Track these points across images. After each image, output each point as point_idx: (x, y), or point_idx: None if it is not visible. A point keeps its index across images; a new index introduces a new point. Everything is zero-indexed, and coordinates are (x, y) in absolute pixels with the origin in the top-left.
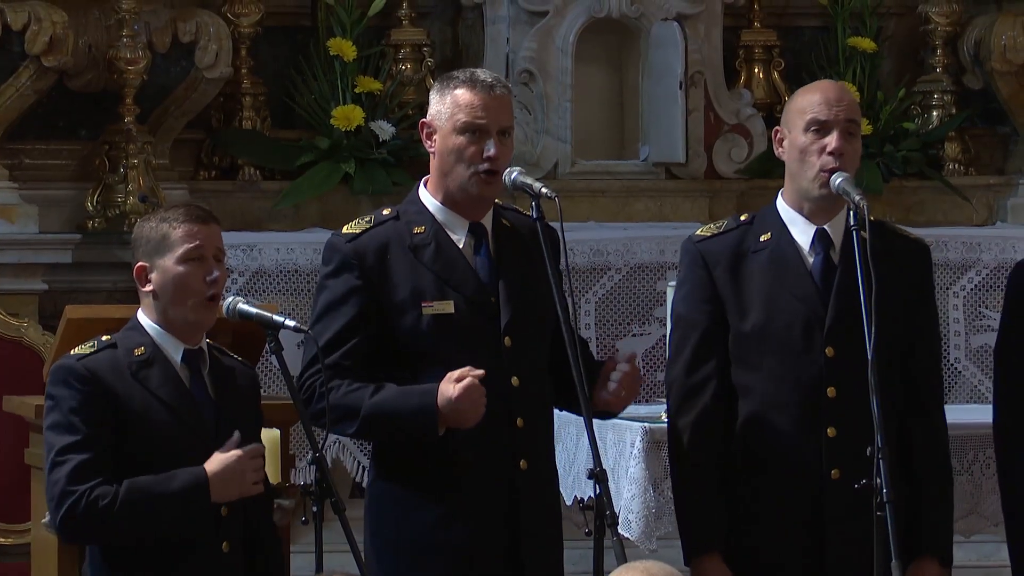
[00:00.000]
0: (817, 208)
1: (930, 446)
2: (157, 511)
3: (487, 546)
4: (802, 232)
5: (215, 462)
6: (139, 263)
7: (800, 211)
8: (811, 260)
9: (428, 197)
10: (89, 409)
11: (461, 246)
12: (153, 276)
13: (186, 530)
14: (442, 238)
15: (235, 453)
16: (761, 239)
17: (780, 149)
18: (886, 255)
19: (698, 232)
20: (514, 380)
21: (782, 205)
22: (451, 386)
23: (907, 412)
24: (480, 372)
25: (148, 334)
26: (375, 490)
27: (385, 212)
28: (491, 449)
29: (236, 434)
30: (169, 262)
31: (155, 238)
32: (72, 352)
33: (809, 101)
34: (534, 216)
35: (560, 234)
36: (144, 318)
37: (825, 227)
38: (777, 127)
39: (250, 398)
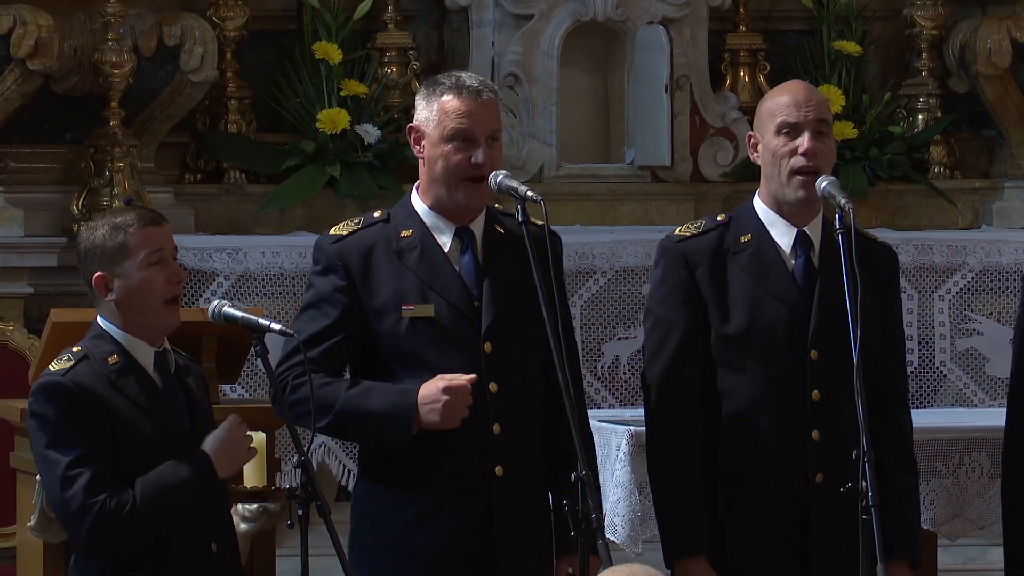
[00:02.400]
0: (796, 210)
1: (896, 446)
2: (176, 500)
3: (459, 551)
4: (783, 234)
5: (210, 441)
6: (97, 273)
7: (780, 213)
8: (792, 262)
9: (418, 201)
10: (86, 423)
11: (447, 250)
12: (116, 284)
13: (203, 514)
14: (428, 242)
15: (222, 427)
16: (741, 240)
17: (755, 154)
18: (861, 259)
19: (676, 232)
20: (492, 386)
21: (760, 206)
22: (441, 383)
23: (874, 412)
24: (472, 377)
25: (117, 341)
26: (358, 490)
27: (376, 214)
28: (465, 454)
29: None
30: (132, 268)
31: (112, 247)
32: (52, 368)
33: (778, 104)
34: (520, 219)
35: (547, 238)
36: (108, 324)
37: (805, 229)
38: (750, 132)
39: (204, 395)
